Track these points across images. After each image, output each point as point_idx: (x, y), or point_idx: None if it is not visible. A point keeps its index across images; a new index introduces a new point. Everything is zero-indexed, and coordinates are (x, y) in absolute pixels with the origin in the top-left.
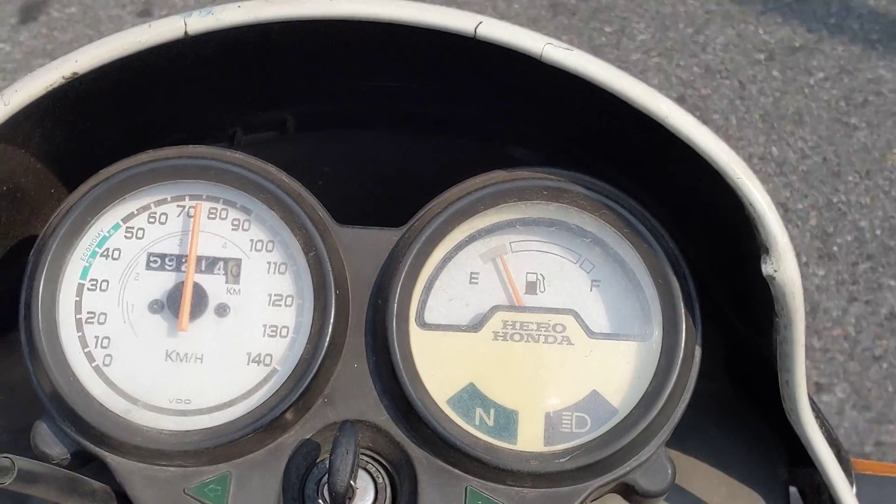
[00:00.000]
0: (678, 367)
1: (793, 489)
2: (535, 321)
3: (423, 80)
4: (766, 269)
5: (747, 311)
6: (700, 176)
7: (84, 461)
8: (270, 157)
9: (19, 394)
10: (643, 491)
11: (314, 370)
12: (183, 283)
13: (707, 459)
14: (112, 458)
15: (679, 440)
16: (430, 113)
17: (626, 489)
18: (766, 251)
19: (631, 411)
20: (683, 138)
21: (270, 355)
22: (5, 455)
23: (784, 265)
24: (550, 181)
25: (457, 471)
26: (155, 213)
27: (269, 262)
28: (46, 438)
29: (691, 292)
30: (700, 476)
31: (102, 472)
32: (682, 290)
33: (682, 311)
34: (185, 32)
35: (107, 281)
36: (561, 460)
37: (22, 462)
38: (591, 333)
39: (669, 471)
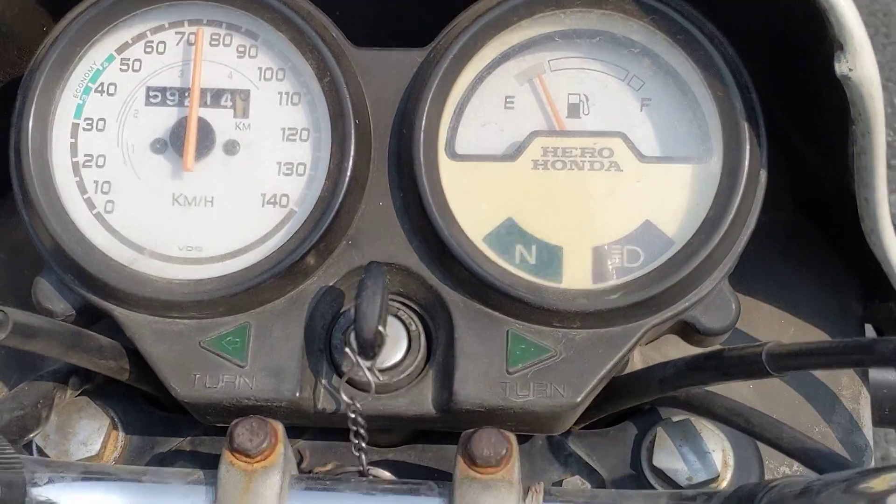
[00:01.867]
0: (741, 189)
1: (869, 327)
2: (578, 146)
3: None
4: (840, 67)
5: (815, 127)
6: None
7: (91, 318)
8: None
9: (24, 252)
10: (704, 329)
11: (335, 209)
12: (186, 118)
13: (773, 296)
14: (120, 312)
15: (741, 275)
16: None
17: (684, 328)
18: (840, 47)
19: (688, 241)
20: None
21: (286, 195)
22: None
23: (861, 62)
24: None
25: (497, 313)
26: (152, 41)
27: (280, 93)
28: (48, 294)
29: (755, 105)
30: (765, 314)
31: (113, 329)
32: (744, 103)
33: (745, 126)
34: None
35: (103, 119)
36: (611, 297)
37: (19, 315)
38: (641, 157)
39: (733, 306)
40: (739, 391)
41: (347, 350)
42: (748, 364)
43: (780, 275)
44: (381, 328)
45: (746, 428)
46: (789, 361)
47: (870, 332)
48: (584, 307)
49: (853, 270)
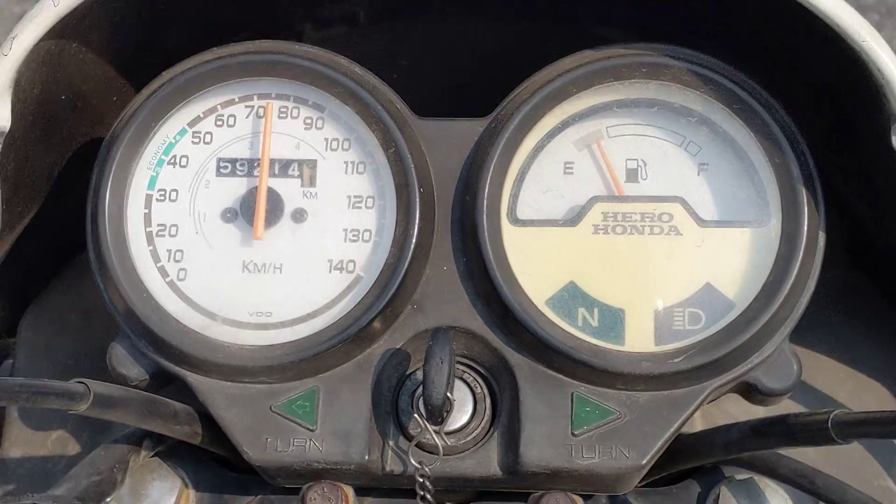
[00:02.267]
0: (801, 253)
1: None
2: (638, 211)
3: None
4: None
5: (871, 190)
6: (814, 42)
7: (164, 382)
8: (342, 52)
9: (94, 315)
10: (766, 390)
11: (401, 275)
12: (256, 188)
13: (831, 352)
14: (193, 377)
15: (799, 330)
16: None
17: (747, 389)
18: None
19: (750, 304)
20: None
21: (353, 261)
22: (79, 380)
23: None
24: (649, 57)
25: (561, 376)
26: (222, 115)
27: (346, 162)
28: (123, 359)
29: (812, 171)
30: (823, 370)
31: (184, 392)
32: (800, 168)
33: (803, 191)
34: None
35: (176, 190)
36: (675, 360)
37: (98, 386)
38: (701, 221)
39: (795, 367)
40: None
41: (416, 416)
42: (814, 431)
43: (838, 330)
44: (449, 394)
45: (811, 489)
46: (856, 430)
47: None
48: (648, 370)
49: None
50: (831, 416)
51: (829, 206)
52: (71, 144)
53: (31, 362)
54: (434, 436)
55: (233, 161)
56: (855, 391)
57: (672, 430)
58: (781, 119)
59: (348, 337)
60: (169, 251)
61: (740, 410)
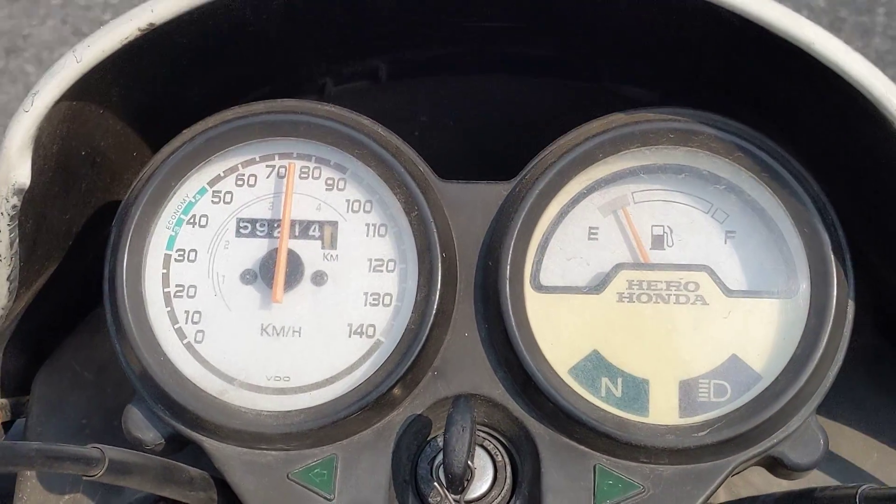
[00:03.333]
0: (830, 326)
1: None
2: (663, 279)
3: (526, 19)
4: None
5: None
6: (846, 110)
7: (180, 446)
8: (363, 108)
9: (108, 373)
10: (792, 465)
11: (422, 341)
12: (276, 250)
13: (856, 422)
14: (209, 443)
15: (824, 402)
16: (534, 54)
17: (772, 462)
18: None
19: (777, 377)
20: (832, 66)
21: (373, 326)
22: (94, 445)
23: None
24: (677, 123)
25: (583, 447)
26: (243, 174)
27: (367, 224)
28: (139, 423)
29: (841, 242)
30: (848, 440)
31: (199, 457)
32: (831, 239)
33: (833, 263)
34: None
35: (195, 250)
36: (700, 434)
37: (112, 452)
38: (727, 291)
39: (821, 441)
40: None
41: (436, 484)
42: None
43: (863, 399)
44: (469, 462)
45: None
46: None
47: None
48: (672, 444)
49: None
50: (859, 491)
51: (856, 272)
52: (89, 200)
53: (44, 420)
54: None
55: (253, 221)
56: (881, 463)
57: None
58: (812, 189)
59: (368, 404)
60: (187, 312)
61: (764, 482)
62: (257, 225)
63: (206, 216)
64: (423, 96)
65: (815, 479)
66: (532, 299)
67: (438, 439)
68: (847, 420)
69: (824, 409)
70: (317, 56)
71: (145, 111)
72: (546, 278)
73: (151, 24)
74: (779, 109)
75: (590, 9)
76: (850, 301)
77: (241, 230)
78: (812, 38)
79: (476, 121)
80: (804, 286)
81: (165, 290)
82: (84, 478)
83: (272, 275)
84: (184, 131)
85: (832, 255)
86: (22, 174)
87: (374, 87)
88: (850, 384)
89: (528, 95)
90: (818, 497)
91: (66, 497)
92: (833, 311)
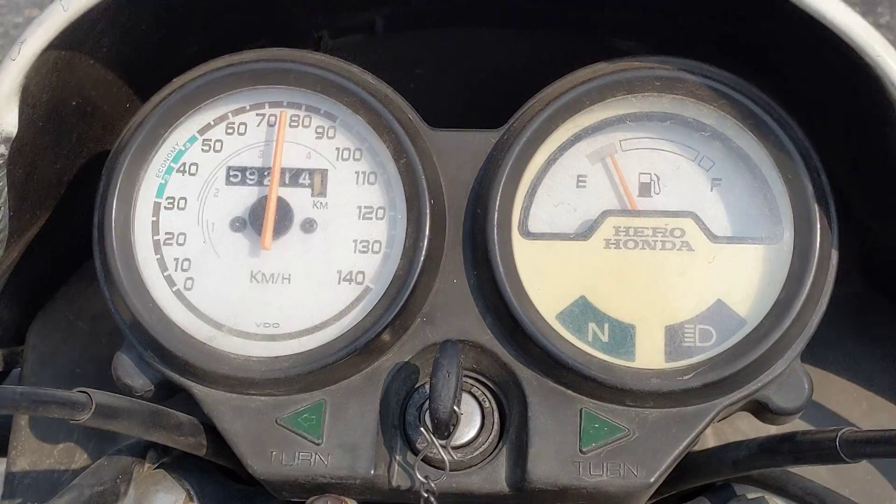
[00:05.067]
0: (813, 270)
1: None
2: (650, 226)
3: None
4: None
5: (885, 207)
6: (829, 57)
7: (169, 393)
8: (359, 60)
9: (101, 323)
10: (777, 409)
11: (410, 287)
12: (266, 198)
13: (844, 370)
14: (198, 389)
15: (812, 349)
16: (529, 6)
17: (757, 407)
18: None
19: (761, 322)
20: (813, 14)
21: (362, 273)
22: (81, 389)
23: None
24: (663, 70)
25: (570, 391)
26: (233, 123)
27: (357, 172)
28: (128, 369)
29: (825, 188)
30: (837, 389)
31: (189, 403)
32: (814, 185)
33: (816, 208)
34: None
35: (185, 198)
36: (685, 377)
37: (100, 396)
38: (713, 237)
39: (806, 386)
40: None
41: (422, 429)
42: (822, 449)
43: (852, 349)
44: (455, 408)
45: None
46: (864, 449)
47: None
48: (657, 387)
49: None
50: (839, 434)
51: (842, 221)
52: (80, 151)
53: (39, 370)
54: (440, 450)
55: (243, 170)
56: (870, 410)
57: (681, 448)
58: (795, 135)
59: (356, 349)
60: (176, 260)
61: (752, 428)
62: (247, 173)
63: (196, 164)
64: (418, 49)
65: (803, 427)
66: (520, 246)
67: (426, 385)
68: (835, 369)
69: (812, 357)
70: (312, 9)
71: (138, 62)
72: (534, 225)
73: None
74: (765, 60)
75: None
76: (833, 247)
77: (231, 178)
78: None
79: (471, 73)
80: (788, 232)
81: (155, 237)
82: (71, 422)
83: (262, 222)
84: (174, 80)
85: (815, 202)
86: (9, 123)
87: (370, 39)
88: (838, 334)
89: (524, 47)
90: (799, 440)
91: (60, 446)
92: (816, 256)
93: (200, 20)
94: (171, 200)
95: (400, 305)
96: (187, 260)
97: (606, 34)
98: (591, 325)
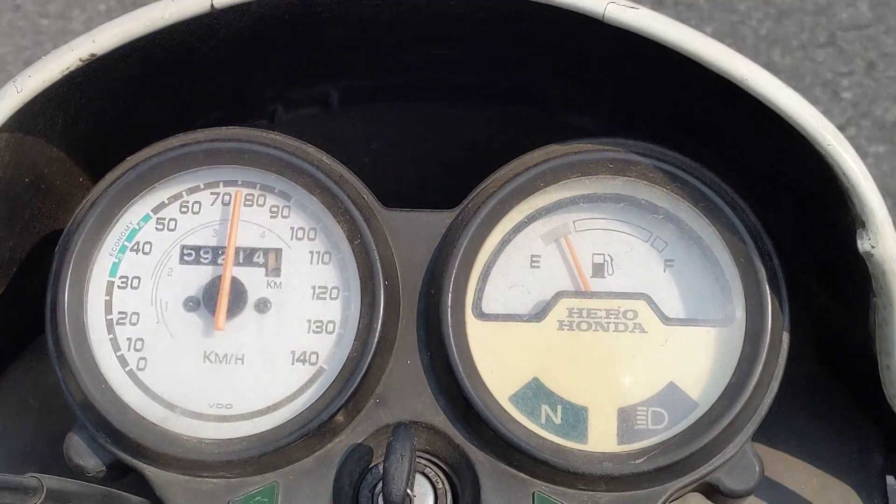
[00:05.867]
0: (764, 354)
1: (890, 478)
2: (603, 308)
3: (476, 48)
4: (863, 245)
5: (838, 289)
6: (783, 143)
7: (121, 473)
8: (313, 134)
9: (53, 399)
10: (728, 491)
11: (364, 368)
12: (220, 277)
13: (795, 449)
14: (150, 471)
15: (763, 428)
16: (483, 83)
17: (709, 489)
18: (863, 225)
19: (713, 405)
20: (765, 101)
21: (316, 353)
22: (32, 475)
23: (883, 240)
24: (616, 153)
25: (522, 474)
26: (188, 201)
27: (311, 252)
28: (80, 450)
29: (777, 271)
30: (788, 467)
31: (142, 484)
32: (766, 269)
33: (768, 292)
34: (212, 6)
35: (138, 277)
36: (637, 461)
37: (51, 481)
38: (665, 319)
39: (757, 468)
40: None
41: None
42: None
43: (802, 427)
44: (409, 491)
45: None
46: None
47: (892, 483)
48: (609, 471)
49: (874, 423)
50: None
51: (796, 300)
52: (33, 227)
53: None
54: None
55: (197, 249)
56: (820, 488)
57: None
58: (747, 219)
59: (310, 431)
60: (129, 340)
61: None
62: (201, 252)
63: (149, 243)
64: (373, 123)
65: None
66: (473, 327)
67: (380, 466)
68: (786, 447)
69: (764, 436)
70: (266, 82)
71: (92, 138)
72: (488, 306)
73: (93, 55)
74: (721, 139)
75: (535, 42)
76: (785, 329)
77: (185, 257)
78: (745, 73)
79: (426, 149)
80: (739, 314)
81: (108, 317)
82: None
83: (215, 302)
84: (128, 158)
85: (767, 285)
86: None
87: (325, 113)
88: (789, 412)
89: (478, 124)
90: None
91: None
92: (767, 339)
93: (152, 96)
94: (125, 280)
95: (353, 387)
96: (140, 340)
97: (561, 111)
98: (545, 408)
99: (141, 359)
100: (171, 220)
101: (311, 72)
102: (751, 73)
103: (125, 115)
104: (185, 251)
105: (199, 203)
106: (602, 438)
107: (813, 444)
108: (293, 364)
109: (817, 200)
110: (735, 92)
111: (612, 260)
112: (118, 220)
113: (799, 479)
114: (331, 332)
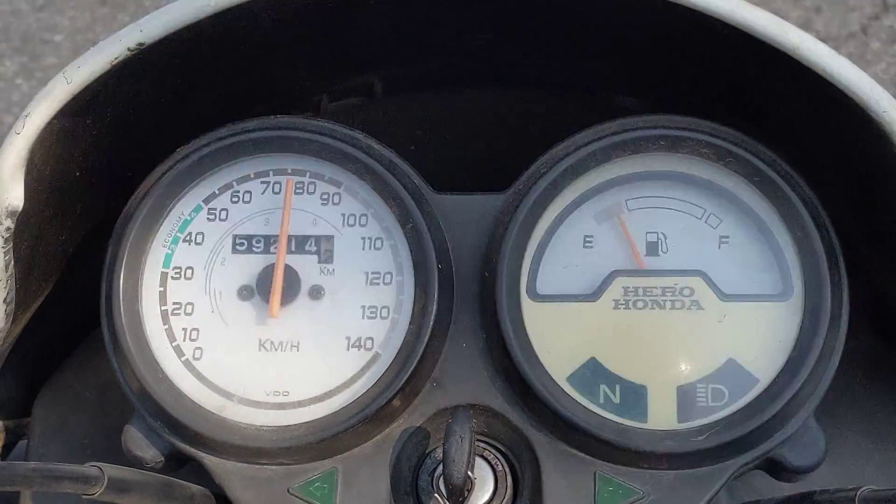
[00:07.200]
0: (825, 327)
1: None
2: (659, 285)
3: (520, 33)
4: None
5: (894, 259)
6: (835, 113)
7: (180, 463)
8: (358, 123)
9: (110, 392)
10: (793, 467)
11: (420, 353)
12: (273, 266)
13: (856, 424)
14: (209, 459)
15: (823, 406)
16: (528, 67)
17: (772, 465)
18: None
19: (774, 380)
20: (818, 70)
21: (371, 338)
22: (94, 464)
23: None
24: (668, 130)
25: (583, 454)
26: (238, 191)
27: (363, 238)
28: (138, 441)
29: (834, 244)
30: (849, 443)
31: (200, 473)
32: (823, 242)
33: (825, 265)
34: None
35: (191, 268)
36: (698, 438)
37: (112, 470)
38: (722, 296)
39: (821, 443)
40: None
41: (436, 495)
42: None
43: (862, 402)
44: (469, 472)
45: None
46: None
47: None
48: (671, 449)
49: None
50: (859, 492)
51: (852, 274)
52: (85, 221)
53: (46, 442)
54: None
55: (249, 238)
56: (882, 464)
57: None
58: (802, 192)
59: (367, 416)
60: (184, 330)
61: (766, 485)
62: (253, 241)
63: (202, 233)
64: (417, 110)
65: (817, 483)
66: (529, 308)
67: (438, 450)
68: (847, 422)
69: (824, 411)
70: (311, 73)
71: (141, 130)
72: (543, 287)
73: (141, 44)
74: (769, 114)
75: (578, 21)
76: (844, 303)
77: (238, 247)
78: (797, 42)
79: (471, 133)
80: (798, 289)
81: (163, 307)
82: (84, 497)
83: (269, 290)
84: (178, 150)
85: (824, 258)
86: (15, 196)
87: (369, 102)
88: (849, 386)
89: (522, 107)
90: (818, 500)
91: None
92: (827, 312)
93: (200, 88)
94: (178, 270)
95: (410, 371)
96: (195, 330)
97: (605, 92)
98: (603, 387)
99: (196, 348)
100: (222, 209)
101: (355, 62)
102: (803, 42)
103: (173, 109)
104: (238, 240)
105: (250, 192)
106: (662, 416)
107: (874, 419)
108: (348, 350)
109: (871, 170)
110: (786, 63)
111: (665, 238)
112: (170, 211)
113: (861, 456)
114: (385, 318)
